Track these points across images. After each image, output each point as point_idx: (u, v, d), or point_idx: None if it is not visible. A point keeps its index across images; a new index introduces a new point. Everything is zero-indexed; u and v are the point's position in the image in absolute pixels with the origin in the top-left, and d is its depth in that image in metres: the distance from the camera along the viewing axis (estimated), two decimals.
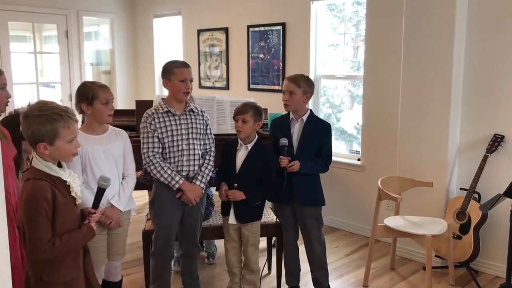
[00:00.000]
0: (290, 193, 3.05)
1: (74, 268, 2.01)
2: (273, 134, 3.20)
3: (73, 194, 1.98)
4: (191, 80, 2.87)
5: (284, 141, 2.98)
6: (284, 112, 3.24)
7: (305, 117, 3.09)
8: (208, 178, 2.95)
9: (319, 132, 3.09)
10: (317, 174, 3.15)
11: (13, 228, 2.25)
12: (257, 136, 3.04)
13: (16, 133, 2.60)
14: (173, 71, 2.82)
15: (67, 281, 1.97)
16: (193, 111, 2.92)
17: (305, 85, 3.05)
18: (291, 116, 3.13)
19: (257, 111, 2.97)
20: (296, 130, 3.10)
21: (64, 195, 1.94)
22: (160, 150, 2.85)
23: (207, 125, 2.98)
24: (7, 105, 2.43)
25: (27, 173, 1.94)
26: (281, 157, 2.98)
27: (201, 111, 2.97)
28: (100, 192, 2.09)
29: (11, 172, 2.32)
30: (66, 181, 1.96)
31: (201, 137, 2.93)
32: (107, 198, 2.60)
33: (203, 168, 2.93)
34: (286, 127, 3.11)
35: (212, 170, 2.98)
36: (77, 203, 2.03)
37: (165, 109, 2.84)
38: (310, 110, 3.15)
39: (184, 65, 2.88)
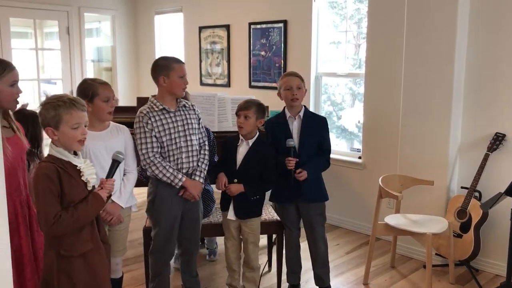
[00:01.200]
0: (296, 191, 3.04)
1: (90, 240, 2.10)
2: (271, 134, 3.16)
3: (83, 178, 2.06)
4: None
5: (291, 142, 2.97)
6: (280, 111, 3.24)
7: (301, 114, 3.10)
8: (206, 172, 2.95)
9: (317, 127, 3.11)
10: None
11: (24, 218, 2.30)
12: (258, 133, 3.04)
13: (28, 127, 2.63)
14: (172, 67, 2.76)
15: (84, 252, 2.06)
16: (185, 107, 2.89)
17: (303, 80, 3.12)
18: (288, 114, 3.12)
19: (260, 108, 2.97)
20: (295, 127, 3.10)
21: (73, 178, 2.03)
22: (159, 149, 2.81)
23: (199, 119, 2.97)
24: (18, 102, 2.39)
25: (43, 159, 2.09)
26: (288, 158, 2.97)
27: (192, 106, 2.95)
28: (114, 164, 2.19)
29: (23, 164, 2.36)
30: (77, 166, 2.05)
31: (196, 132, 2.92)
32: None
33: (199, 163, 2.92)
34: (284, 126, 3.10)
35: (208, 164, 2.97)
36: (89, 188, 2.10)
37: (160, 107, 2.79)
38: (304, 106, 3.16)
39: (181, 61, 2.85)
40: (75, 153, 2.08)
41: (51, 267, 2.04)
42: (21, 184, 2.31)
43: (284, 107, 3.16)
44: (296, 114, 3.10)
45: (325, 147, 3.12)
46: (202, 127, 3.00)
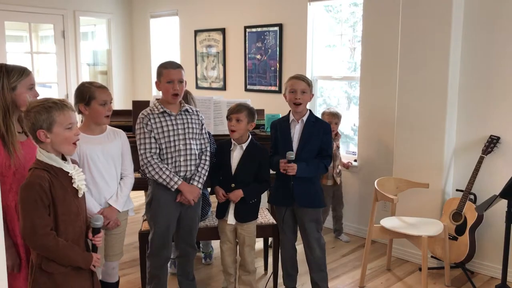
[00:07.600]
0: (289, 194, 3.03)
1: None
2: (274, 136, 3.17)
3: (75, 185, 2.02)
4: (181, 81, 2.82)
5: (291, 156, 2.95)
6: (280, 113, 3.23)
7: (305, 118, 3.06)
8: (205, 178, 2.95)
9: (319, 132, 3.06)
10: (317, 175, 3.14)
11: None
12: (250, 136, 3.05)
13: None
14: (161, 72, 2.82)
15: (66, 271, 1.99)
16: (188, 111, 2.91)
17: (311, 84, 3.07)
18: (291, 117, 3.09)
19: (250, 111, 2.98)
20: (296, 131, 3.06)
21: (64, 186, 1.98)
22: (158, 151, 2.84)
23: (202, 124, 2.97)
24: None
25: (32, 165, 2.00)
26: (281, 161, 2.96)
27: (196, 111, 2.97)
28: (94, 231, 2.09)
29: None
30: (68, 173, 2.00)
31: (197, 136, 2.93)
32: (105, 199, 2.61)
33: (199, 169, 2.93)
34: (286, 129, 3.09)
35: (208, 170, 2.98)
36: (79, 195, 2.06)
37: (161, 110, 2.83)
38: (310, 110, 3.12)
39: (172, 66, 2.83)
40: (64, 159, 2.03)
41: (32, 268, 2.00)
42: None
43: (290, 110, 3.12)
44: (300, 118, 3.07)
45: (325, 152, 3.07)
46: (206, 133, 3.01)
